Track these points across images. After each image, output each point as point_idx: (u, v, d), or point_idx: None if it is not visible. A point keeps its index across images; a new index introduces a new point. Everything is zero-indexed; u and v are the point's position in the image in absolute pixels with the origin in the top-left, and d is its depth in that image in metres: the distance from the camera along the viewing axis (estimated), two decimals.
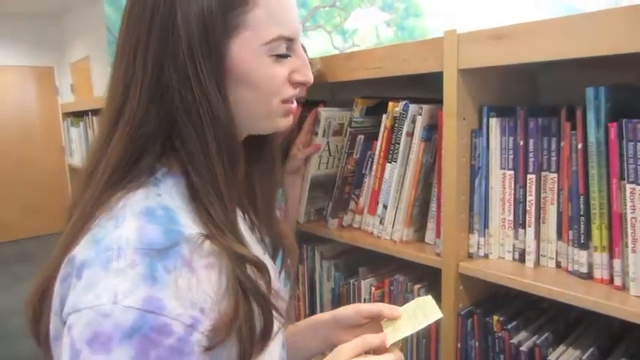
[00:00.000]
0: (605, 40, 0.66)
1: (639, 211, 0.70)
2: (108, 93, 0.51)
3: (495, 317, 0.86)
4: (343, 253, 1.23)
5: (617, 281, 0.73)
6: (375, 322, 0.68)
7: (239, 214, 0.65)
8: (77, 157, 3.25)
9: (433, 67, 0.86)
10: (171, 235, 0.45)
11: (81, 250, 0.45)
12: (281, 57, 0.53)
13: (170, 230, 0.46)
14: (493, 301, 0.93)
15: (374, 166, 1.05)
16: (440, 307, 0.91)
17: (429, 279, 1.00)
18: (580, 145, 0.76)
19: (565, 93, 0.84)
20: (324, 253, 1.24)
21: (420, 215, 1.01)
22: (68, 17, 5.32)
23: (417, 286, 0.99)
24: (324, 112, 1.10)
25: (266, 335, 0.50)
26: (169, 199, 0.49)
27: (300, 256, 1.27)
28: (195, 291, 0.44)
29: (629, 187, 0.70)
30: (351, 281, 1.13)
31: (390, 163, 1.01)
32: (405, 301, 1.01)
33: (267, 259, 0.67)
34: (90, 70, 4.95)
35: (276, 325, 0.52)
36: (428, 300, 0.66)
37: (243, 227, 0.61)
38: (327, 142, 1.14)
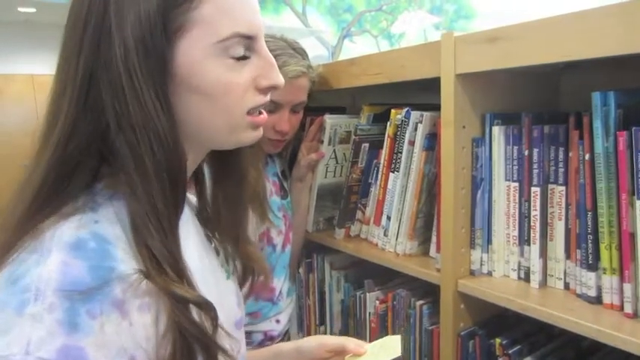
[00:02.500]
0: (610, 40, 0.60)
1: None
2: (47, 104, 0.46)
3: (498, 340, 0.80)
4: (353, 264, 1.19)
5: (628, 308, 0.66)
6: (339, 357, 0.65)
7: (203, 234, 0.59)
8: None
9: (431, 72, 0.81)
10: (100, 273, 0.40)
11: None
12: (239, 59, 0.47)
13: (100, 267, 0.41)
14: (500, 322, 0.86)
15: (379, 176, 1.01)
16: (438, 326, 0.86)
17: (433, 295, 0.95)
18: (587, 156, 0.69)
19: (589, 98, 0.76)
20: (334, 263, 1.21)
21: (425, 228, 0.96)
22: None
23: (419, 302, 0.94)
24: (329, 120, 1.08)
25: None
26: (108, 227, 0.44)
27: (310, 265, 1.25)
28: (126, 337, 0.40)
29: (639, 203, 0.63)
30: (358, 294, 1.10)
31: (393, 172, 0.97)
32: (408, 317, 0.96)
33: (229, 284, 0.62)
34: None
35: None
36: (395, 339, 0.63)
37: (202, 250, 0.56)
38: (334, 150, 1.12)
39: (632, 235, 0.65)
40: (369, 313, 1.06)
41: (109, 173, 0.46)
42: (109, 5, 0.43)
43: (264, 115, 0.52)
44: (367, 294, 1.06)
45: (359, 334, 1.10)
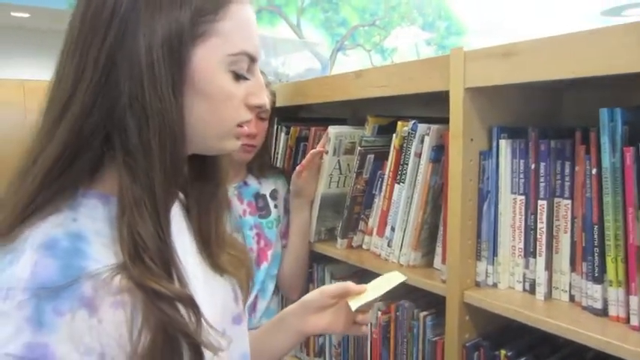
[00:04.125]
0: (621, 58, 0.61)
1: None
2: (53, 90, 0.48)
3: (503, 351, 0.81)
4: (354, 274, 1.19)
5: (634, 320, 0.67)
6: (342, 303, 0.71)
7: (191, 231, 0.60)
8: None
9: (439, 85, 0.83)
10: (69, 272, 0.42)
11: None
12: (239, 77, 0.51)
13: (70, 266, 0.42)
14: (504, 334, 0.87)
15: (384, 187, 1.02)
16: (442, 337, 0.86)
17: (437, 306, 0.95)
18: (594, 171, 0.71)
19: (592, 114, 0.78)
20: (335, 273, 1.21)
21: (430, 239, 0.97)
22: None
23: (423, 314, 0.95)
24: (333, 130, 1.09)
25: None
26: (88, 223, 0.46)
27: (311, 275, 1.25)
28: (95, 334, 0.41)
29: None
30: None
31: (399, 184, 0.98)
32: (411, 328, 0.96)
33: (223, 281, 0.61)
34: None
35: (208, 355, 0.48)
36: (394, 273, 0.71)
37: (192, 246, 0.58)
38: (338, 161, 1.12)
39: (639, 248, 0.66)
40: (371, 323, 1.06)
41: (109, 159, 0.47)
42: (139, 2, 0.46)
43: (245, 127, 0.56)
44: None
45: (360, 345, 1.10)
